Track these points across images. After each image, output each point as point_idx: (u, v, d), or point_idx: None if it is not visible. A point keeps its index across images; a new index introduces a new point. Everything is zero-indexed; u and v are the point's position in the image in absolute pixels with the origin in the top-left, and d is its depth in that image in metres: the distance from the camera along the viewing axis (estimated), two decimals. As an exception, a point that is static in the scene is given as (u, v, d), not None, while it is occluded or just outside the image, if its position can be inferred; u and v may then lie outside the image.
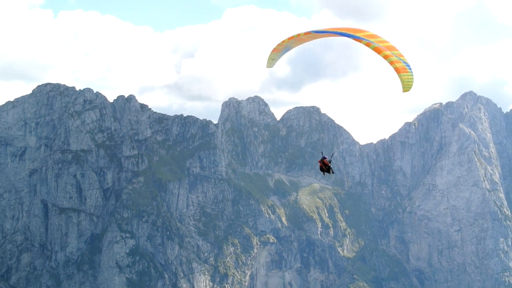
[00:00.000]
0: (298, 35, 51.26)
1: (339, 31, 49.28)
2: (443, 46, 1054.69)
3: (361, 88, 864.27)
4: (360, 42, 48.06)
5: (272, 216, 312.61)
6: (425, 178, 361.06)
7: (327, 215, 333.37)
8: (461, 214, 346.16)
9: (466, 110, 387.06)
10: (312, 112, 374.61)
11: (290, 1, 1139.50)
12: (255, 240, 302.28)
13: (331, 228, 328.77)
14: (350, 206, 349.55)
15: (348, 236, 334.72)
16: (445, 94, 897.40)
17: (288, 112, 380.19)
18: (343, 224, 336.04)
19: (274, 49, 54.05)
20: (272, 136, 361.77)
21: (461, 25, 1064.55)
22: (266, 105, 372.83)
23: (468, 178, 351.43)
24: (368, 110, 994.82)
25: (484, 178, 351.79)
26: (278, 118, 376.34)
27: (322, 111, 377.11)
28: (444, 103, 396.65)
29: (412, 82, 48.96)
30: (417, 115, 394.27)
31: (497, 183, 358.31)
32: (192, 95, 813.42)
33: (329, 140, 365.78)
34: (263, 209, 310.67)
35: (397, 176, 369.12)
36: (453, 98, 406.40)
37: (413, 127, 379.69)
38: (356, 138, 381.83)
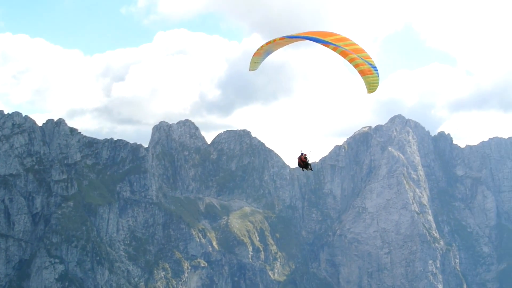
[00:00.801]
0: (275, 40, 54.26)
1: (310, 35, 52.13)
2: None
3: (292, 112, 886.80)
4: (328, 47, 51.22)
5: (203, 240, 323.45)
6: (355, 201, 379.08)
7: (258, 238, 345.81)
8: (390, 236, 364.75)
9: (395, 133, 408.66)
10: (243, 136, 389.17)
11: (220, 25, 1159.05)
12: (185, 264, 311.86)
13: (262, 252, 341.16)
14: (281, 230, 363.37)
15: (279, 260, 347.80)
16: (374, 118, 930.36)
17: (219, 135, 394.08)
18: (274, 248, 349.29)
19: (255, 53, 57.24)
20: (203, 159, 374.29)
21: (389, 49, 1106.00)
22: (196, 128, 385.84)
23: (397, 201, 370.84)
24: (299, 134, 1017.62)
25: (413, 201, 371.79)
26: (209, 142, 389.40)
27: (253, 135, 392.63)
28: (373, 126, 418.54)
29: (377, 84, 51.73)
30: (347, 138, 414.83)
31: (426, 205, 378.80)
32: (122, 119, 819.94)
33: (259, 163, 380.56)
34: (193, 233, 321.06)
35: (327, 199, 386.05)
36: (382, 121, 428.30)
37: (343, 150, 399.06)
38: (287, 162, 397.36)
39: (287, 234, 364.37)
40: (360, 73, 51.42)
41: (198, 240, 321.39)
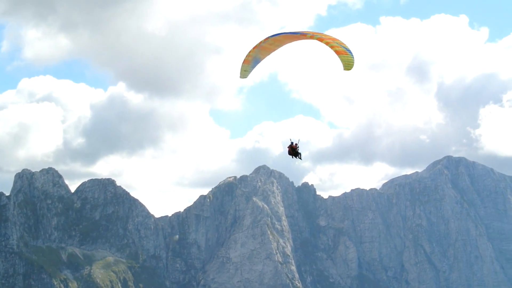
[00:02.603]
0: (260, 43, 61.22)
1: (289, 32, 60.99)
2: (239, 120, 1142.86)
3: (157, 161, 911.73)
4: (305, 37, 59.04)
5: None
6: (219, 251, 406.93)
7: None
8: (254, 286, 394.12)
9: (259, 183, 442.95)
10: (107, 185, 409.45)
11: (86, 73, 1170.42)
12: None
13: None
14: (145, 280, 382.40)
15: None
16: (239, 168, 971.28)
17: (83, 184, 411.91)
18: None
19: (244, 60, 62.99)
20: (66, 208, 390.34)
21: (254, 100, 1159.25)
22: (60, 176, 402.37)
23: (261, 251, 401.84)
24: (163, 183, 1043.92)
25: (277, 251, 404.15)
26: (72, 190, 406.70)
27: (118, 183, 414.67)
28: (238, 176, 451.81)
29: (353, 63, 58.93)
30: (212, 188, 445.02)
31: (289, 255, 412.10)
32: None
33: (124, 212, 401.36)
34: (55, 283, 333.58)
35: (191, 249, 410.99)
36: (247, 171, 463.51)
37: (208, 200, 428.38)
38: (151, 211, 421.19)
39: (151, 285, 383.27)
40: (336, 53, 58.62)
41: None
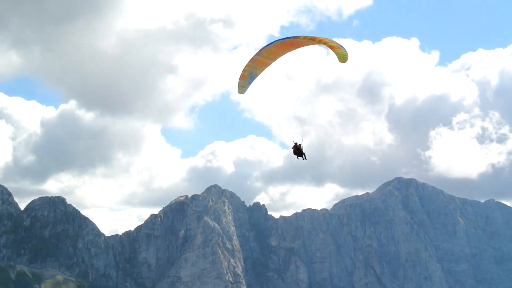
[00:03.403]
0: (254, 55, 64.05)
1: (281, 39, 63.77)
2: (191, 139, 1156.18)
3: (108, 180, 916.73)
4: (298, 39, 62.38)
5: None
6: (170, 270, 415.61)
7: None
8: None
9: (211, 203, 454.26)
10: (57, 203, 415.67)
11: (37, 91, 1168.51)
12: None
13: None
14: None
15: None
16: (191, 187, 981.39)
17: (33, 202, 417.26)
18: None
19: (241, 76, 65.28)
20: (15, 226, 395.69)
21: (206, 119, 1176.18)
22: (10, 194, 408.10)
23: (211, 271, 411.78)
24: (114, 202, 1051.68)
25: (228, 271, 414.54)
26: (22, 208, 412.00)
27: (68, 202, 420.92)
28: (189, 196, 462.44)
29: (347, 56, 62.88)
30: (163, 207, 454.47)
31: (240, 275, 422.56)
32: None
33: (74, 231, 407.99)
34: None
35: (142, 268, 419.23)
36: (199, 191, 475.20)
37: (159, 219, 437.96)
38: (102, 230, 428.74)
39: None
40: (330, 48, 62.27)
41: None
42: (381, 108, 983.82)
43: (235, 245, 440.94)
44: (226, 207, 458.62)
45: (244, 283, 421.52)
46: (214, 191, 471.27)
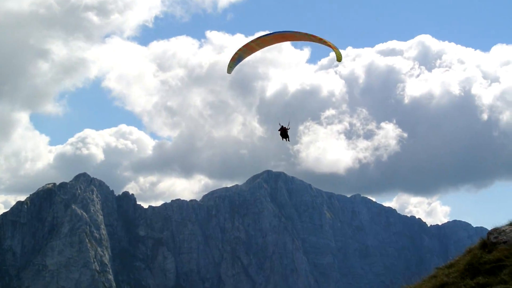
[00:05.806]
0: (249, 42, 65.72)
1: (276, 32, 64.86)
2: (60, 126, 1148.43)
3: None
4: (295, 35, 64.47)
5: None
6: (36, 259, 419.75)
7: None
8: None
9: (79, 191, 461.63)
10: None
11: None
12: None
13: None
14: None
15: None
16: (59, 175, 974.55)
17: None
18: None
19: (231, 57, 67.21)
20: None
21: (76, 106, 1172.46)
22: None
23: (78, 259, 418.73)
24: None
25: (94, 260, 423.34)
26: None
27: None
28: (57, 183, 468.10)
29: (341, 55, 65.41)
30: (30, 194, 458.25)
31: (107, 264, 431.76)
32: None
33: None
34: None
35: (6, 255, 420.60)
36: (67, 178, 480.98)
37: (25, 206, 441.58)
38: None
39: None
40: (329, 46, 64.01)
41: None
42: (252, 100, 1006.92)
43: (103, 234, 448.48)
44: (94, 196, 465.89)
45: (111, 272, 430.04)
46: (83, 179, 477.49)
